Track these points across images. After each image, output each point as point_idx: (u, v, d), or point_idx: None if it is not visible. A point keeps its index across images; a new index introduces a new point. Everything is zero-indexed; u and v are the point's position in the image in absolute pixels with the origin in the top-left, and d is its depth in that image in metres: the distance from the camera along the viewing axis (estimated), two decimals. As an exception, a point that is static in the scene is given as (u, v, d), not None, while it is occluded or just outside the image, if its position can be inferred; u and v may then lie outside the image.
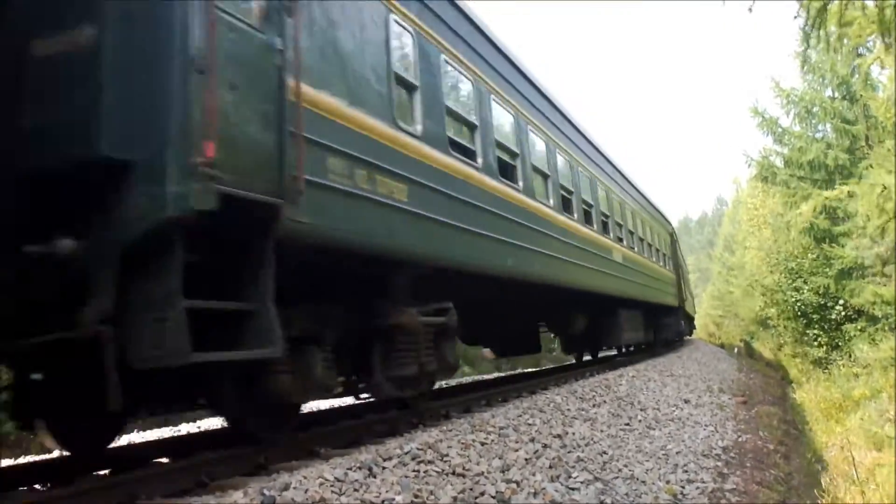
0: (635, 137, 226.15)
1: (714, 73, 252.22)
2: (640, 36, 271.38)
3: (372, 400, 7.72)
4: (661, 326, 23.13)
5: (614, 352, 20.16)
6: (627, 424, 8.79)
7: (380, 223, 6.14)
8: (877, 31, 9.40)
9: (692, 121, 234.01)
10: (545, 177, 11.42)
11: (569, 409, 8.34)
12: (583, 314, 14.72)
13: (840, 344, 23.35)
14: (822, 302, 24.68)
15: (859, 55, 18.10)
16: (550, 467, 5.88)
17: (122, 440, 7.27)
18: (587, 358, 18.76)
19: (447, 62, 8.11)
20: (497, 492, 4.93)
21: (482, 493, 4.85)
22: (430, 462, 5.06)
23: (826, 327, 24.80)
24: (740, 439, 10.36)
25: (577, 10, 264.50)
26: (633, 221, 19.19)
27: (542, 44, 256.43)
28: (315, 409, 10.37)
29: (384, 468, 4.77)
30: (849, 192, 17.43)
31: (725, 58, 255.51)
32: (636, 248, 18.94)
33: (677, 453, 8.04)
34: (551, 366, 21.15)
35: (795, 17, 8.00)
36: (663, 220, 26.85)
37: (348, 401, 8.94)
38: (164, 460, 5.67)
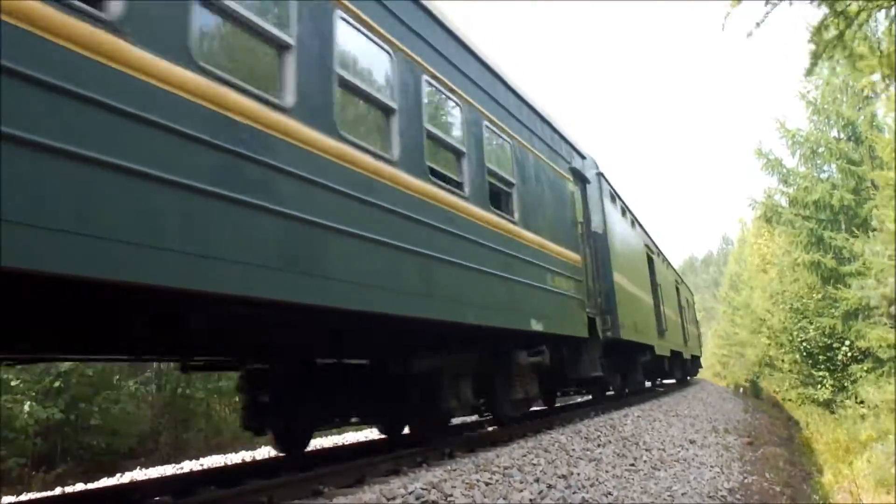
0: (642, 175, 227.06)
1: (720, 112, 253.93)
2: (651, 75, 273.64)
3: (379, 438, 11.05)
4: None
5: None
6: (633, 465, 8.73)
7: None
8: (880, 68, 9.52)
9: (698, 160, 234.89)
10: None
11: (574, 450, 8.29)
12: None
13: (846, 385, 23.21)
14: (829, 342, 24.57)
15: (865, 97, 18.23)
16: (555, 508, 5.85)
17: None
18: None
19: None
20: (501, 533, 4.92)
21: (486, 535, 4.83)
22: (434, 502, 5.05)
23: (832, 368, 24.66)
24: (746, 481, 10.29)
25: (581, 48, 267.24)
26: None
27: (550, 80, 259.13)
28: (320, 448, 10.35)
29: (388, 508, 4.76)
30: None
31: (732, 97, 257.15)
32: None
33: (683, 494, 7.98)
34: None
35: (809, 42, 8.25)
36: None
37: (351, 438, 9.41)
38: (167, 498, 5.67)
